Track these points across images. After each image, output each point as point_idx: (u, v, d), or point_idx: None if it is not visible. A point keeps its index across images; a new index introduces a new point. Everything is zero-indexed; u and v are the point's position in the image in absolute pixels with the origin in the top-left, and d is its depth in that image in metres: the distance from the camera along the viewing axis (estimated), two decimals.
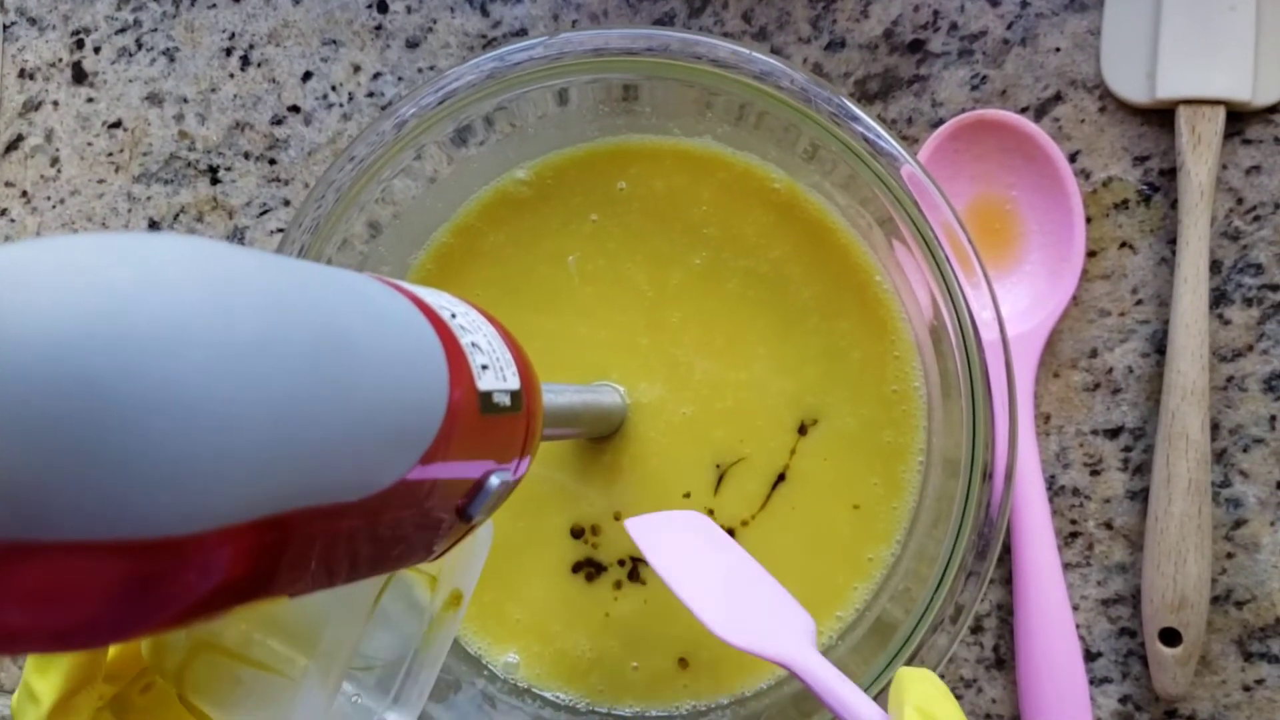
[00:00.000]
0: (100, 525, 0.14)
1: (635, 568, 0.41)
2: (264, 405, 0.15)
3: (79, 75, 0.51)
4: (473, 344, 0.23)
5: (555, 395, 0.34)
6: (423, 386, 0.20)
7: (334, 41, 0.48)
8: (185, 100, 0.50)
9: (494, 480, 0.24)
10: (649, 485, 0.41)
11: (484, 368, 0.23)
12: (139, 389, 0.13)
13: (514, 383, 0.25)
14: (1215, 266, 0.42)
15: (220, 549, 0.16)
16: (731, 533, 0.40)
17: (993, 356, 0.36)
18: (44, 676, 0.26)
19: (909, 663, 0.36)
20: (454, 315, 0.24)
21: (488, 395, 0.23)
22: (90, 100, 0.51)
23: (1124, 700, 0.42)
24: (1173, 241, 0.42)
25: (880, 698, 0.37)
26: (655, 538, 0.35)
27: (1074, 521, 0.43)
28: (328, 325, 0.17)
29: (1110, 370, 0.43)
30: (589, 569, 0.41)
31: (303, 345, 0.16)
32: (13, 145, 0.51)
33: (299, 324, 0.17)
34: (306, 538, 0.18)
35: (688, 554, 0.35)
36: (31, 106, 0.51)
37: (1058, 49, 0.43)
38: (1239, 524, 0.42)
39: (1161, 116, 0.42)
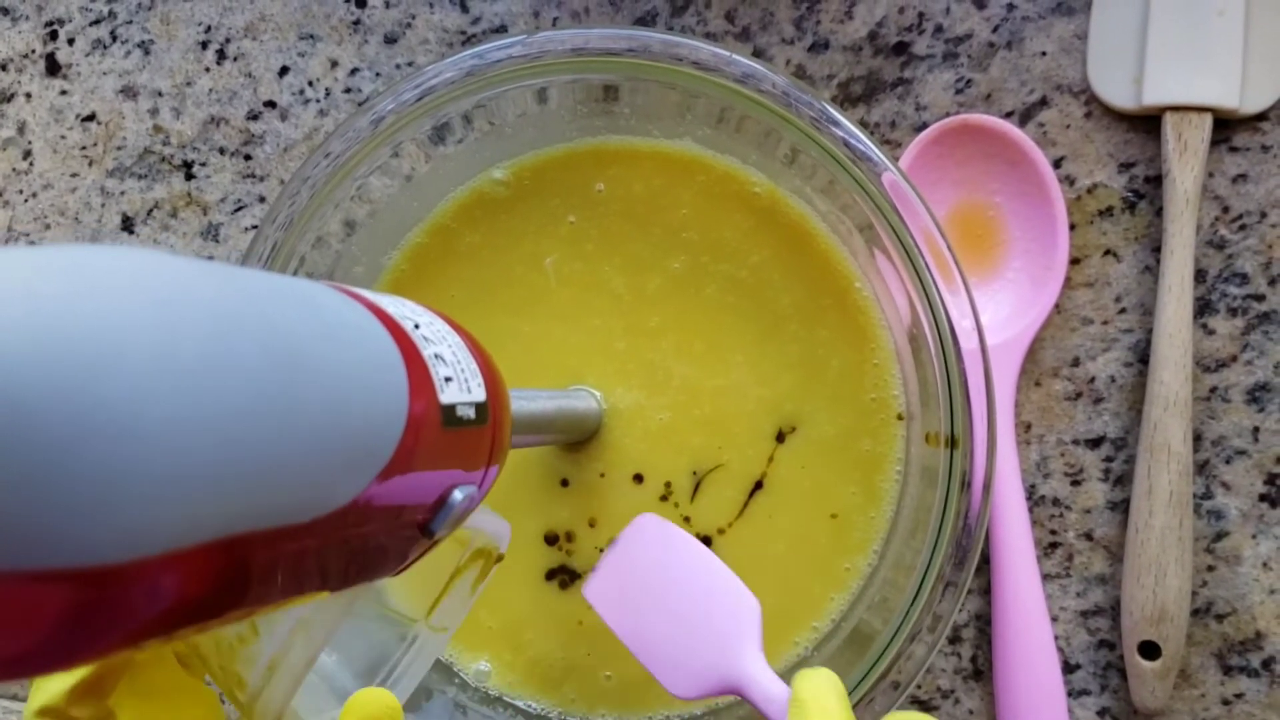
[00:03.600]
0: (35, 554, 0.13)
1: None
2: (209, 426, 0.15)
3: (52, 67, 0.50)
4: (436, 355, 0.23)
5: (527, 402, 0.33)
6: (380, 401, 0.20)
7: (311, 36, 0.47)
8: (160, 94, 0.49)
9: (457, 495, 0.23)
10: (625, 492, 0.40)
11: (447, 380, 0.23)
12: (73, 410, 0.13)
13: (479, 394, 0.24)
14: (1200, 275, 0.41)
15: (166, 574, 0.15)
16: (708, 541, 0.40)
17: (972, 365, 0.35)
18: None
19: (887, 673, 0.36)
20: (417, 325, 0.23)
21: (451, 408, 0.22)
22: (64, 93, 0.50)
23: (1102, 713, 0.42)
24: (1157, 250, 0.42)
25: (856, 709, 0.36)
26: (614, 601, 0.35)
27: (1054, 532, 0.42)
28: (277, 339, 0.17)
29: (1092, 379, 0.42)
30: (563, 576, 0.41)
31: (250, 361, 0.16)
32: None
33: (246, 339, 0.16)
34: (258, 560, 0.17)
35: (642, 599, 0.35)
36: (4, 98, 0.50)
37: (1044, 53, 0.43)
38: (1220, 536, 0.41)
39: (1148, 123, 0.42)
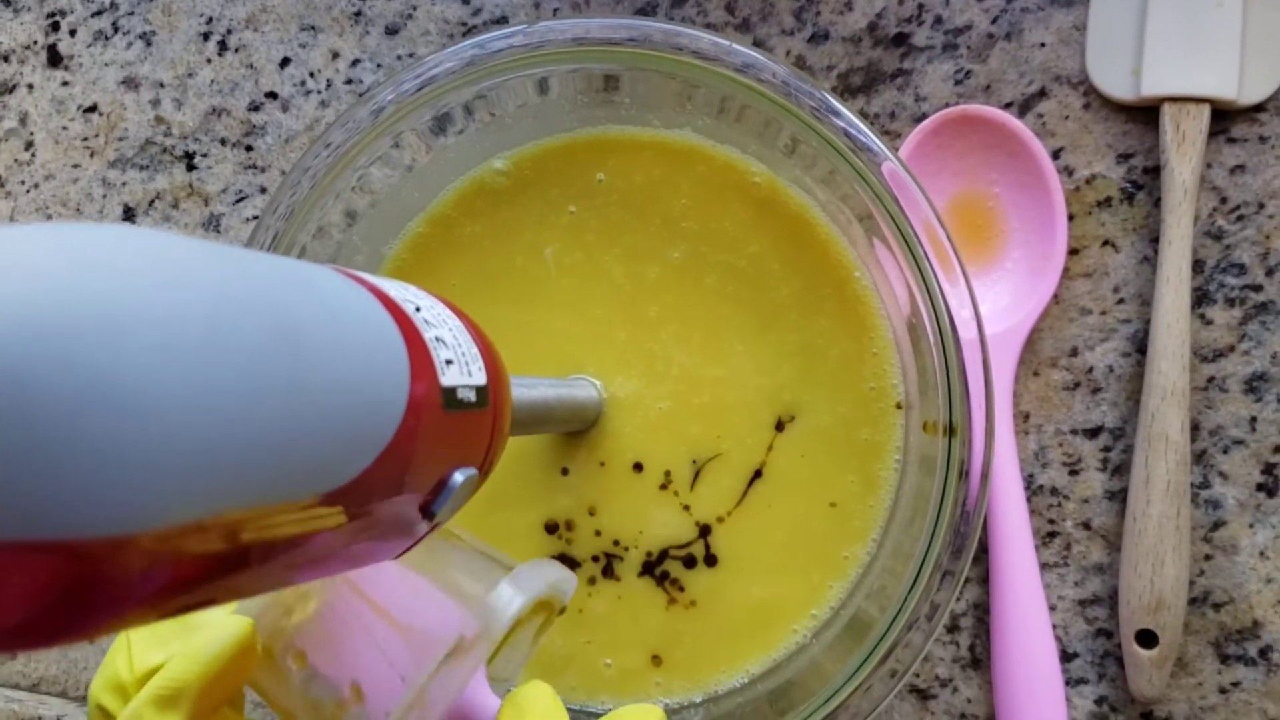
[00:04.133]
0: (35, 525, 0.13)
1: (609, 564, 0.41)
2: (209, 402, 0.15)
3: (54, 58, 0.50)
4: (437, 338, 0.23)
5: (528, 389, 0.33)
6: (381, 382, 0.20)
7: (312, 27, 0.48)
8: (162, 85, 0.49)
9: (458, 478, 0.23)
10: (625, 481, 0.40)
11: (448, 363, 0.23)
12: (74, 384, 0.13)
13: (480, 378, 0.24)
14: (1198, 266, 0.42)
15: (165, 549, 0.15)
16: (708, 529, 0.40)
17: (971, 355, 0.35)
18: (164, 712, 0.26)
19: (884, 661, 0.36)
20: (418, 309, 0.23)
21: (451, 391, 0.23)
22: (65, 84, 0.50)
23: (1100, 701, 0.42)
24: (1155, 240, 0.42)
25: (854, 696, 0.36)
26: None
27: (1052, 521, 0.43)
28: (279, 318, 0.17)
29: (1090, 369, 0.42)
30: (562, 564, 0.41)
31: (252, 340, 0.16)
32: None
33: (249, 318, 0.16)
34: (258, 537, 0.18)
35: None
36: (5, 89, 0.50)
37: (1043, 44, 0.43)
38: (1217, 526, 0.41)
39: (1146, 114, 0.42)
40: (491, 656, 0.30)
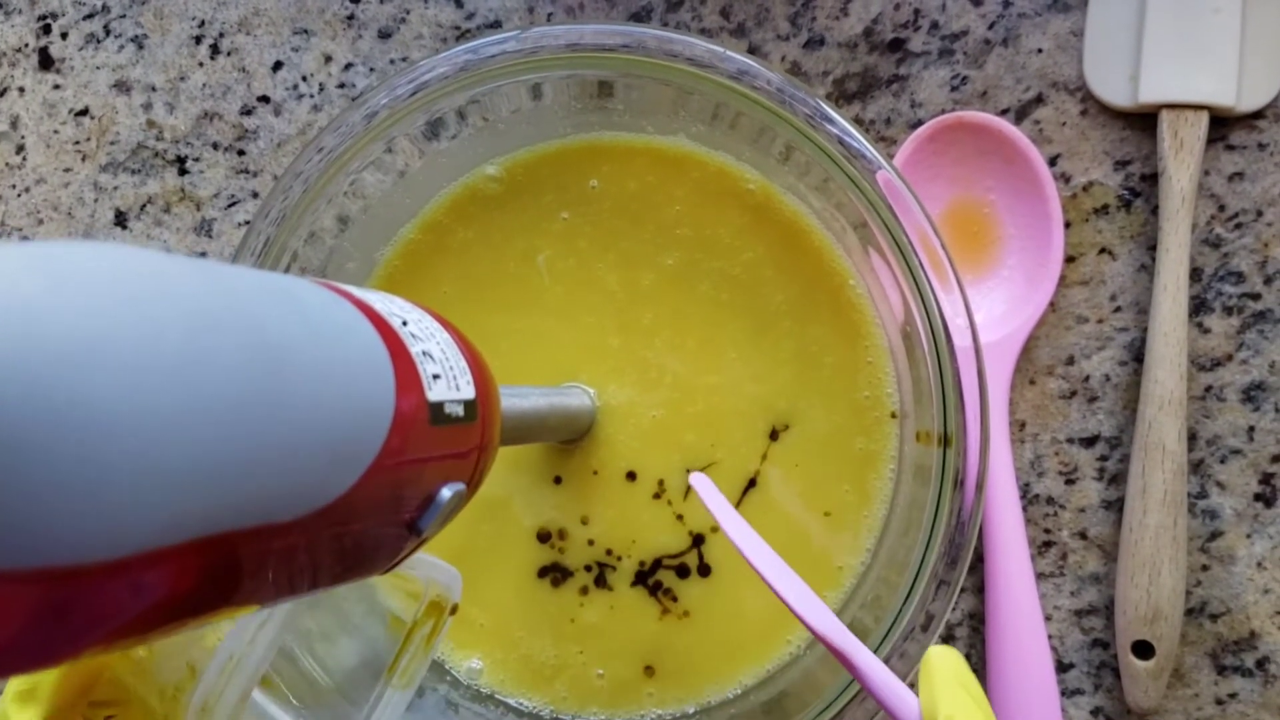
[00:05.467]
0: (10, 553, 0.13)
1: (602, 574, 0.40)
2: (188, 425, 0.15)
3: (45, 61, 0.50)
4: (424, 352, 0.23)
5: (519, 399, 0.33)
6: (366, 399, 0.20)
7: (305, 31, 0.47)
8: (154, 89, 0.49)
9: (446, 493, 0.23)
10: (618, 490, 0.40)
11: (435, 377, 0.23)
12: (48, 408, 0.13)
13: (468, 392, 0.24)
14: (1195, 274, 0.41)
15: (147, 573, 0.15)
16: (701, 539, 0.40)
17: (965, 363, 0.35)
18: (24, 707, 0.26)
19: None
20: (405, 322, 0.23)
21: (439, 406, 0.22)
22: (57, 87, 0.50)
23: (1095, 712, 0.42)
24: (1153, 248, 0.41)
25: (849, 708, 0.36)
26: (722, 503, 0.34)
27: (1048, 531, 0.42)
28: (260, 337, 0.17)
29: (1087, 378, 0.42)
30: (555, 574, 0.41)
31: (231, 359, 0.16)
32: None
33: (227, 336, 0.16)
34: (243, 558, 0.17)
35: (747, 522, 0.33)
36: None
37: (1040, 50, 0.42)
38: (1215, 536, 0.41)
39: (1144, 120, 0.42)
40: (391, 666, 0.31)
